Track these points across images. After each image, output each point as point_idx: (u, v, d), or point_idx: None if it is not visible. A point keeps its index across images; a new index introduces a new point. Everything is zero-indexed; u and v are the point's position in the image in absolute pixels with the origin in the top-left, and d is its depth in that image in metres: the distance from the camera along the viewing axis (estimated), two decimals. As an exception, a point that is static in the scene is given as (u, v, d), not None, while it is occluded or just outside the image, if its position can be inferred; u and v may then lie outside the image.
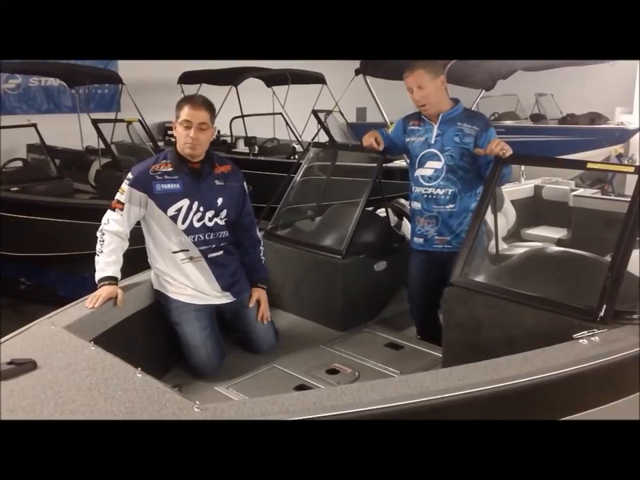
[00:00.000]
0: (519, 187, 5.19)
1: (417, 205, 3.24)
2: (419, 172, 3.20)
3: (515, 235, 4.66)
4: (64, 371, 1.96)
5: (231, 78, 8.97)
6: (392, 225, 3.81)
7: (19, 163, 7.40)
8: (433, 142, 3.16)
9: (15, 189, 6.12)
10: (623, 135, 11.11)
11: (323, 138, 8.45)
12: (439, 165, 3.14)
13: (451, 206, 3.16)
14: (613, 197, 4.87)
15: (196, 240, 2.91)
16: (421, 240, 3.25)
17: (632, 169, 2.57)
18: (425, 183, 3.18)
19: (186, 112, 2.80)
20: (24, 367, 1.94)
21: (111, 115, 7.75)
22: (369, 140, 3.32)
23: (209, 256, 2.96)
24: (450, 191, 3.14)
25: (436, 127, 3.15)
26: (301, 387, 2.74)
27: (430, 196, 3.18)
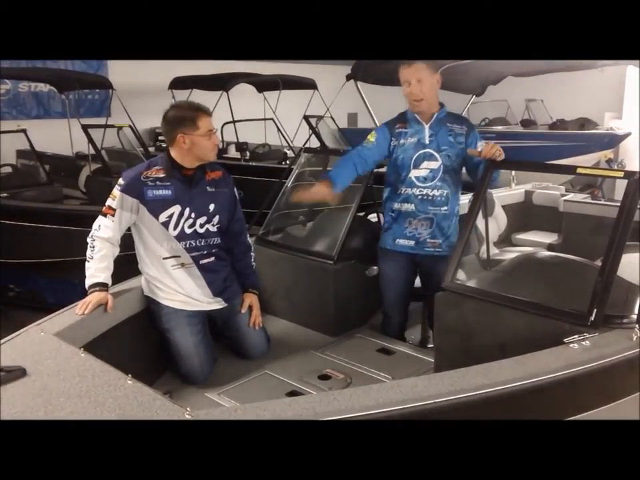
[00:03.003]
0: (509, 192, 5.21)
1: (408, 207, 3.18)
2: (413, 173, 3.15)
3: (505, 240, 4.68)
4: (54, 378, 1.94)
5: (222, 83, 8.98)
6: (383, 230, 3.81)
7: (9, 169, 7.37)
8: (427, 142, 3.14)
9: (4, 195, 6.09)
10: (612, 140, 11.20)
11: (314, 143, 8.47)
12: (435, 165, 3.13)
13: (445, 208, 3.17)
14: (602, 202, 4.91)
15: (187, 246, 2.90)
16: (412, 243, 3.21)
17: (621, 174, 2.58)
18: (420, 184, 3.15)
19: (207, 122, 2.83)
20: (13, 374, 1.92)
21: (101, 121, 7.75)
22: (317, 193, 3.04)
23: (200, 262, 2.95)
24: (445, 192, 3.15)
25: (427, 126, 3.15)
26: (293, 393, 2.73)
27: (425, 197, 3.15)
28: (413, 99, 3.11)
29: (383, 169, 3.40)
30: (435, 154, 3.13)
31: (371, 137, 3.25)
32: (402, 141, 3.20)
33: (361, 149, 3.22)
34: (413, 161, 3.15)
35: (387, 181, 3.29)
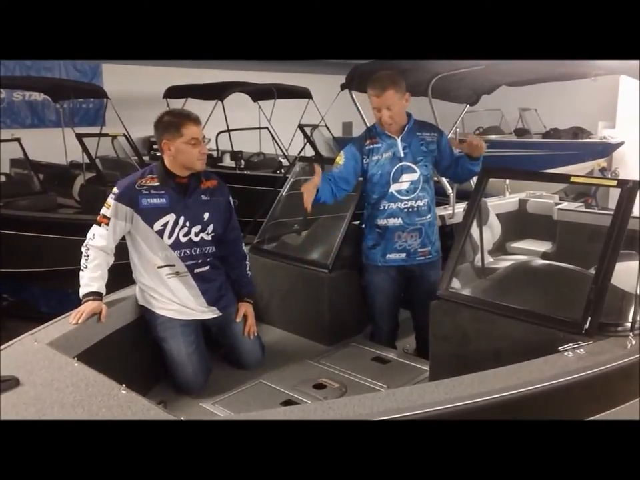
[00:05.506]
0: (503, 200, 5.22)
1: (396, 221, 3.21)
2: (393, 187, 3.18)
3: (500, 249, 4.68)
4: (47, 388, 1.93)
5: (217, 92, 8.99)
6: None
7: (2, 178, 7.35)
8: (402, 155, 3.17)
9: (-2, 203, 6.08)
10: (605, 149, 11.25)
11: (309, 152, 8.48)
12: (414, 176, 3.18)
13: (429, 216, 3.25)
14: (596, 210, 4.92)
15: (182, 255, 2.90)
16: (403, 255, 3.25)
17: (615, 183, 2.60)
18: (403, 197, 3.18)
19: (192, 130, 2.80)
20: (7, 384, 1.91)
21: (96, 130, 7.73)
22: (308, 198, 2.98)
23: (195, 271, 2.94)
24: (426, 200, 3.23)
25: (399, 140, 3.18)
26: (288, 402, 2.72)
27: (411, 209, 3.19)
28: (384, 124, 3.16)
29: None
30: (412, 166, 3.17)
31: (339, 160, 3.25)
32: (376, 157, 3.21)
33: (331, 173, 3.20)
34: (391, 176, 3.18)
35: (366, 198, 3.31)
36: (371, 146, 3.22)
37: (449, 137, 3.48)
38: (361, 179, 3.32)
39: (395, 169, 3.17)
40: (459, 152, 3.24)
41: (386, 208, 3.22)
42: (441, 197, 4.45)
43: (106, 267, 2.80)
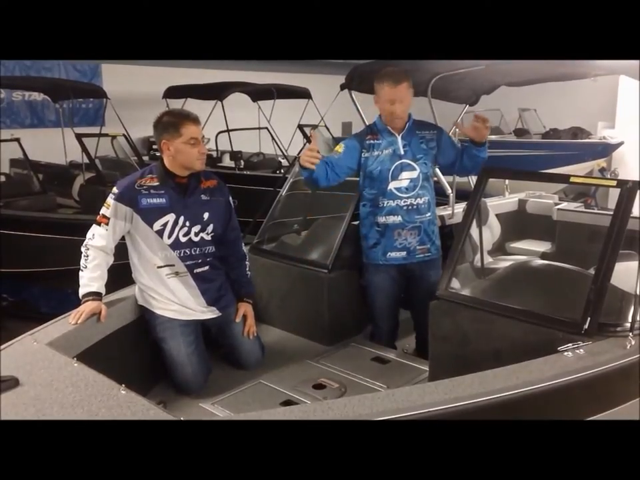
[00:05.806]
0: (503, 200, 5.23)
1: (395, 219, 3.22)
2: (392, 185, 3.19)
3: (499, 249, 4.68)
4: (47, 388, 1.93)
5: (217, 92, 9.00)
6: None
7: (2, 178, 7.36)
8: (402, 153, 3.19)
9: (-2, 204, 6.08)
10: (605, 149, 11.25)
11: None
12: (414, 174, 3.19)
13: (428, 214, 3.27)
14: (596, 211, 4.91)
15: (182, 255, 2.90)
16: (403, 253, 3.26)
17: (614, 183, 2.60)
18: (403, 195, 3.19)
19: (191, 130, 2.80)
20: (6, 384, 1.91)
21: (95, 130, 7.73)
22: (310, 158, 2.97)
23: (195, 271, 2.94)
24: (426, 198, 3.24)
25: (400, 137, 3.20)
26: (288, 403, 2.72)
27: (410, 207, 3.20)
28: (393, 118, 3.16)
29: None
30: (412, 163, 3.19)
31: (339, 148, 3.26)
32: (375, 153, 3.22)
33: (329, 157, 3.19)
34: (390, 173, 3.19)
35: (364, 195, 3.30)
36: (372, 141, 3.24)
37: (457, 121, 3.50)
38: (357, 179, 3.32)
39: (394, 166, 3.18)
40: (458, 141, 3.26)
41: (385, 205, 3.22)
42: (440, 197, 4.46)
43: (105, 266, 2.80)
